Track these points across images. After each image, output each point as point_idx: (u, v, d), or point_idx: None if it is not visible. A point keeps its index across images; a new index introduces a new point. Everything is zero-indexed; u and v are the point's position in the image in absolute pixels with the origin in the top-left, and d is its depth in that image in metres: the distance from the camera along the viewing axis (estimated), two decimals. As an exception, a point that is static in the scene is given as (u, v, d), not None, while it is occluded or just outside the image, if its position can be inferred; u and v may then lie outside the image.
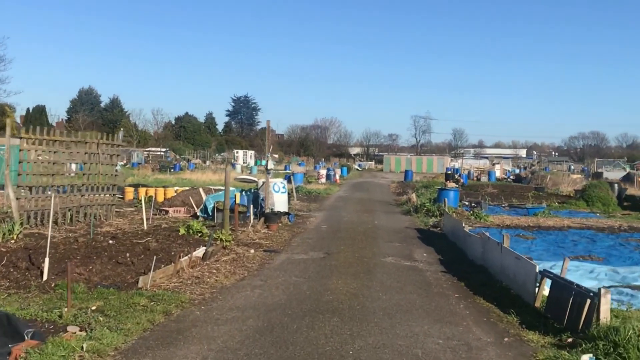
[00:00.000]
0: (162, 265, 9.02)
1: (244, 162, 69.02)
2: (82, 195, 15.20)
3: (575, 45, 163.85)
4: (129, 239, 11.20)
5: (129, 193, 23.82)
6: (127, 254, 9.46)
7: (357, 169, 73.93)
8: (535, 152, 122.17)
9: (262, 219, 16.01)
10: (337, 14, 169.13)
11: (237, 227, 13.61)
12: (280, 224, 16.29)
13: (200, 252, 10.26)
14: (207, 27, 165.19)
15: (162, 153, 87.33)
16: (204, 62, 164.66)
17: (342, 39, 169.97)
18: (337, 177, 43.54)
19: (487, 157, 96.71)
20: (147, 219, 16.17)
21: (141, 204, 21.36)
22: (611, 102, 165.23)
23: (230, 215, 15.24)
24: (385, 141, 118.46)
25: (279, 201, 17.88)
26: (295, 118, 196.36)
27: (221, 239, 11.51)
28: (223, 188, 23.52)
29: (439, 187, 21.42)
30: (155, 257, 9.20)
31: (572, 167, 72.92)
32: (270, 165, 16.73)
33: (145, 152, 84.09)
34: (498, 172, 54.93)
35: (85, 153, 15.35)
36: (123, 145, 17.08)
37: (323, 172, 42.78)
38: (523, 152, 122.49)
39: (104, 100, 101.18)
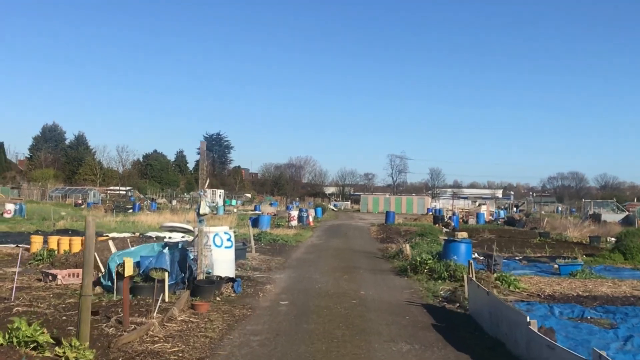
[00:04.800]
0: None
1: (212, 202, 63.24)
2: None
3: (553, 86, 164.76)
4: None
5: (36, 244, 18.01)
6: None
7: (333, 209, 68.96)
8: (512, 193, 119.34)
9: (189, 293, 10.37)
10: (312, 55, 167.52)
11: (127, 320, 7.83)
12: (218, 299, 10.67)
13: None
14: (179, 64, 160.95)
15: (124, 192, 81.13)
16: (175, 100, 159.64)
17: (317, 79, 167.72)
18: (311, 219, 38.00)
19: (465, 198, 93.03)
20: (11, 289, 10.50)
21: (39, 259, 15.66)
22: (588, 142, 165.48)
23: (142, 286, 9.62)
24: (361, 180, 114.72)
25: (221, 261, 12.24)
26: (269, 157, 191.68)
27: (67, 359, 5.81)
28: (164, 235, 17.70)
29: (446, 238, 16.08)
30: None
31: (560, 209, 68.88)
32: (205, 209, 10.98)
33: (104, 192, 77.47)
34: (485, 214, 50.23)
35: None
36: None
37: (294, 213, 37.17)
38: (499, 193, 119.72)
39: (69, 137, 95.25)
